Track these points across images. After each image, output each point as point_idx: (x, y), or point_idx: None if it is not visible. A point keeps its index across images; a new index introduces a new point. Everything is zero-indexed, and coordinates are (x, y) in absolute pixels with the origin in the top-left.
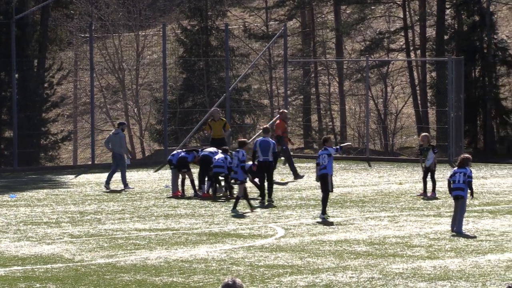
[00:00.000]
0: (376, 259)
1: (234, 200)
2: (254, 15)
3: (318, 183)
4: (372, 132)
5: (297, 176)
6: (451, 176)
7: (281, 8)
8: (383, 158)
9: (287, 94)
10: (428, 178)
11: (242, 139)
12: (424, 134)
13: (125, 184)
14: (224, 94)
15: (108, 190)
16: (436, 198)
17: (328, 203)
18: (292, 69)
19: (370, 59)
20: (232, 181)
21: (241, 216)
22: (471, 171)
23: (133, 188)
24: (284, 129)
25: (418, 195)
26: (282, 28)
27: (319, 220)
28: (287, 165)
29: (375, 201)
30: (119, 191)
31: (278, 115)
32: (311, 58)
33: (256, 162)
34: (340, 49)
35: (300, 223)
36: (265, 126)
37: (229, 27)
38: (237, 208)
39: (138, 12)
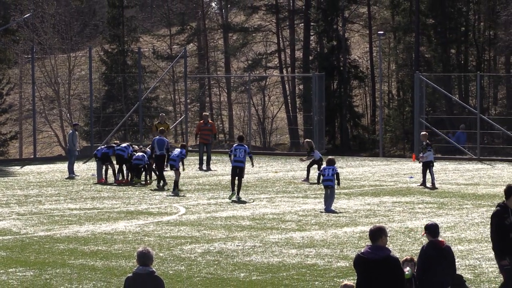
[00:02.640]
0: (257, 231)
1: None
2: (161, 41)
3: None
4: (254, 132)
5: (208, 166)
6: (321, 171)
7: (181, 34)
8: (262, 152)
9: (187, 102)
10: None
11: (183, 143)
12: (307, 140)
13: (70, 172)
14: (138, 103)
15: (69, 177)
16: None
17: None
18: (191, 83)
19: (251, 75)
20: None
21: (152, 197)
22: (336, 168)
23: (78, 175)
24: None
25: (302, 180)
26: (183, 50)
27: (213, 201)
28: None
29: (256, 185)
30: (68, 179)
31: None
32: (205, 74)
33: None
34: (228, 67)
35: (198, 203)
36: (161, 128)
37: (141, 50)
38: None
39: (69, 38)
